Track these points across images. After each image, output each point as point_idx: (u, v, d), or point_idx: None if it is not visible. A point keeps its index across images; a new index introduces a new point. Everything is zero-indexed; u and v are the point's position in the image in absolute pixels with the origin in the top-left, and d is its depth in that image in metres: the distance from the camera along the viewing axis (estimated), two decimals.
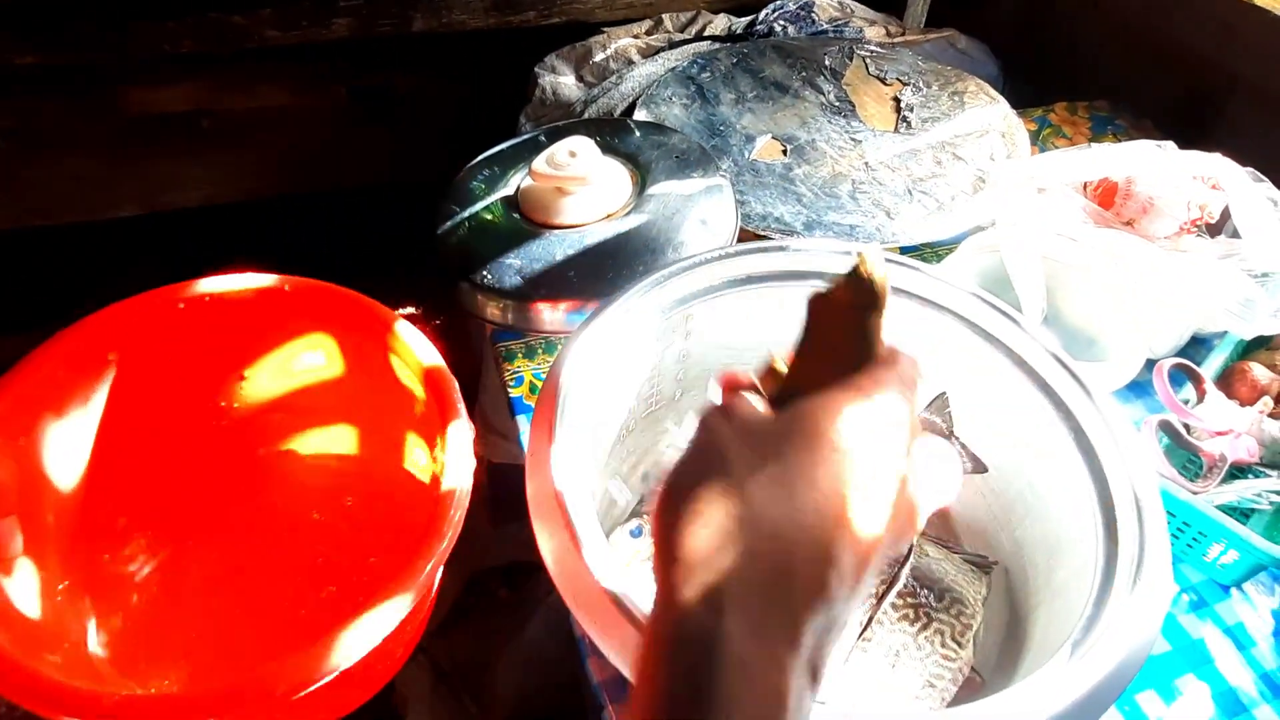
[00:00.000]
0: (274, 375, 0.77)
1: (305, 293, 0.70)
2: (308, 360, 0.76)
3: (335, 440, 0.83)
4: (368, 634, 0.52)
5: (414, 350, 0.68)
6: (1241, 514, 0.71)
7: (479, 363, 0.94)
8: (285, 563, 0.79)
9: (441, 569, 0.59)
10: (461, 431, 0.62)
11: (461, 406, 0.65)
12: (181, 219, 1.41)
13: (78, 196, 1.34)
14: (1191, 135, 0.99)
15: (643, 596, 0.44)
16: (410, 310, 1.61)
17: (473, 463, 0.61)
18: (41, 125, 1.25)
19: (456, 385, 0.66)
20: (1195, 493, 0.65)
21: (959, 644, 0.55)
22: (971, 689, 0.56)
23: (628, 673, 0.42)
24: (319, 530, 0.81)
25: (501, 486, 1.01)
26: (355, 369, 0.75)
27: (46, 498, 0.64)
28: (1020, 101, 1.13)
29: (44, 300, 1.42)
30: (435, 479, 0.61)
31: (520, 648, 1.12)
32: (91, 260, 1.41)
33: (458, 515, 0.58)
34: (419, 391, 0.68)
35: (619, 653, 0.43)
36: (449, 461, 0.60)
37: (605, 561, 0.45)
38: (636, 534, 0.61)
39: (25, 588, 0.59)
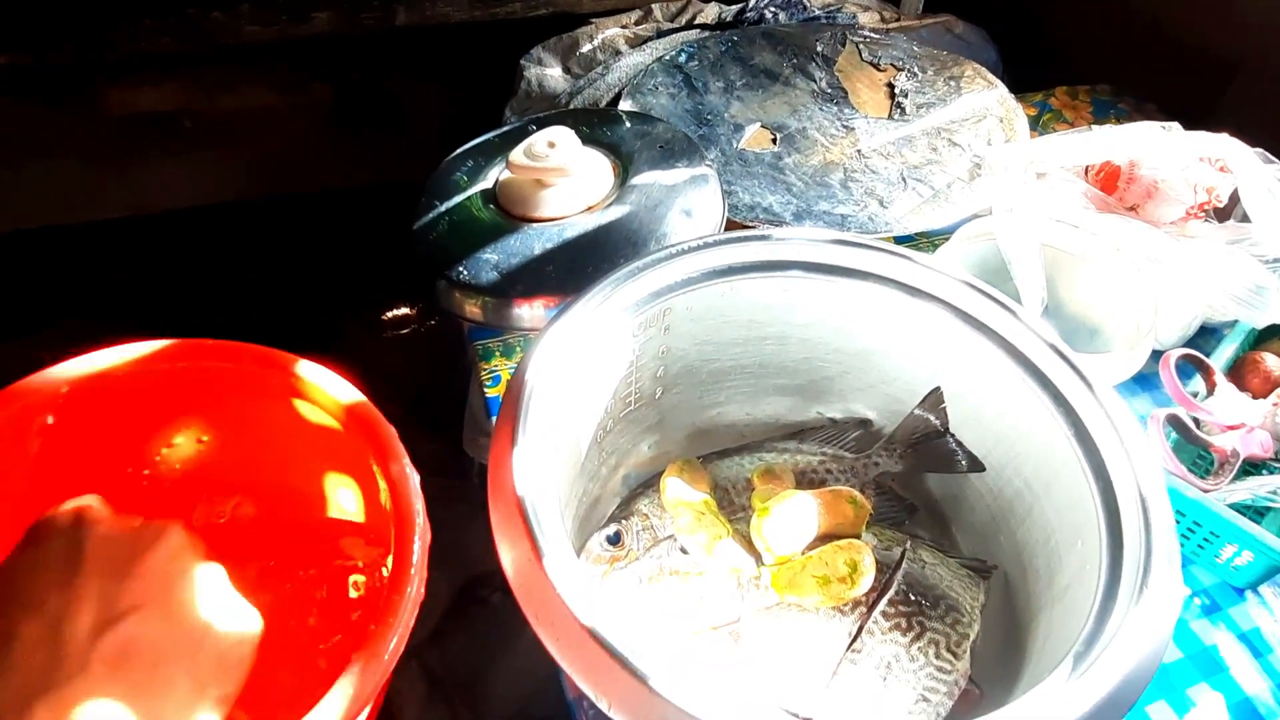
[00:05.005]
0: (193, 443, 0.68)
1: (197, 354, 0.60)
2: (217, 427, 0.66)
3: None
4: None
5: (331, 394, 0.59)
6: (1256, 512, 0.68)
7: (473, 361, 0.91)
8: None
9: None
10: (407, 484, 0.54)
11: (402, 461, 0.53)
12: (166, 221, 1.39)
13: (59, 200, 1.32)
14: (1195, 117, 0.95)
15: (611, 610, 0.41)
16: (404, 310, 1.59)
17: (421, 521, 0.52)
18: (20, 128, 1.23)
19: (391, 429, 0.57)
20: (1206, 491, 0.62)
21: (955, 654, 0.52)
22: (969, 701, 0.52)
23: (588, 689, 0.39)
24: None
25: None
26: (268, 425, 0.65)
27: None
28: (1020, 87, 1.10)
29: (27, 306, 1.41)
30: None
31: (514, 654, 1.09)
32: (75, 265, 1.39)
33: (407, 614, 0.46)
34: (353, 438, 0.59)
35: (582, 672, 0.40)
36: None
37: (569, 574, 0.42)
38: (614, 540, 0.57)
39: None
